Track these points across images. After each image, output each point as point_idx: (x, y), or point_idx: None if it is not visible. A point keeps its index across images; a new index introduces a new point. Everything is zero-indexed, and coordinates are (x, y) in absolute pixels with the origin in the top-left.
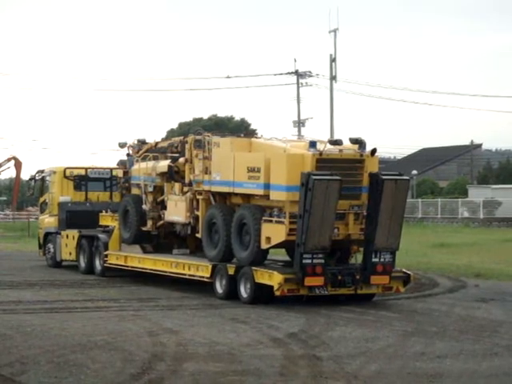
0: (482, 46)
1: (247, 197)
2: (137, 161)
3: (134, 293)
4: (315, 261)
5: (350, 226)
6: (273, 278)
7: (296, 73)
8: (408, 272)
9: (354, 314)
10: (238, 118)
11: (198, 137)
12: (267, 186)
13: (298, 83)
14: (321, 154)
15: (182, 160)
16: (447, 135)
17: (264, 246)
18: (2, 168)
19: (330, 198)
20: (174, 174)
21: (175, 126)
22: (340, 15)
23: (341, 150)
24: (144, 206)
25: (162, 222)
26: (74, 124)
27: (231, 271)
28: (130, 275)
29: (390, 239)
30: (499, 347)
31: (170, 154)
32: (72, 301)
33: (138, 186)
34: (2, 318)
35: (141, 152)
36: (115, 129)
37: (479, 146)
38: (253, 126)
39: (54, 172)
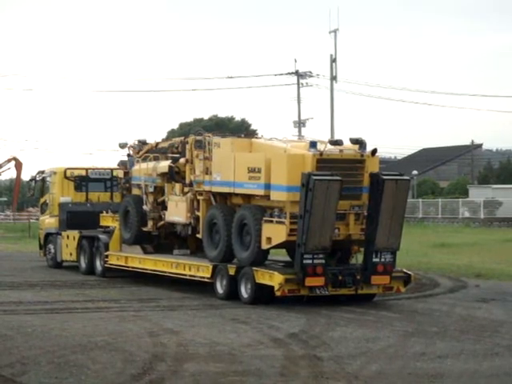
0: (482, 45)
1: (248, 197)
2: (137, 161)
3: (135, 293)
4: (316, 261)
5: (350, 226)
6: (273, 279)
7: (296, 73)
8: (409, 272)
9: (355, 314)
10: (238, 118)
11: (199, 137)
12: (268, 187)
13: (298, 83)
14: (321, 154)
15: (182, 160)
16: (448, 135)
17: (264, 246)
18: (3, 169)
19: (331, 198)
20: (174, 175)
21: (176, 126)
22: (340, 15)
23: (341, 151)
24: (145, 207)
25: (162, 223)
26: (75, 125)
27: (232, 271)
28: (130, 276)
29: (391, 239)
30: (500, 347)
31: (170, 155)
32: (73, 301)
33: (139, 186)
34: (3, 318)
35: (141, 152)
36: (116, 129)
37: (480, 145)
38: (253, 127)
39: (55, 173)
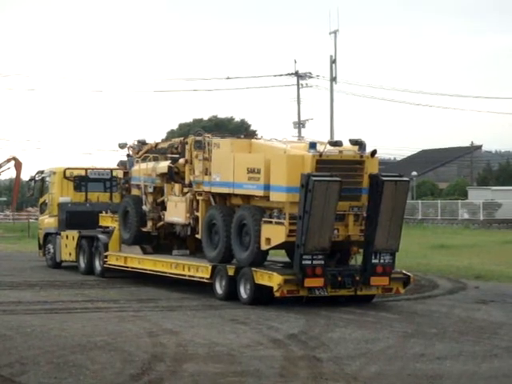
0: (482, 46)
1: (247, 198)
2: (137, 161)
3: (134, 293)
4: (315, 262)
5: (349, 228)
6: (272, 279)
7: (296, 74)
8: (408, 273)
9: (354, 315)
10: (238, 119)
11: (198, 138)
12: (267, 187)
13: (298, 84)
14: (321, 155)
15: (182, 161)
16: (447, 136)
17: (264, 246)
18: (2, 169)
19: (330, 199)
20: (173, 175)
21: (175, 126)
22: (340, 16)
23: (341, 152)
24: (144, 207)
25: (161, 223)
26: (75, 124)
27: (231, 272)
28: (129, 276)
29: (390, 240)
30: (499, 349)
31: (170, 155)
32: (72, 301)
33: (138, 186)
34: (2, 318)
35: (141, 153)
36: (115, 129)
37: (479, 147)
38: (253, 127)
39: (54, 173)
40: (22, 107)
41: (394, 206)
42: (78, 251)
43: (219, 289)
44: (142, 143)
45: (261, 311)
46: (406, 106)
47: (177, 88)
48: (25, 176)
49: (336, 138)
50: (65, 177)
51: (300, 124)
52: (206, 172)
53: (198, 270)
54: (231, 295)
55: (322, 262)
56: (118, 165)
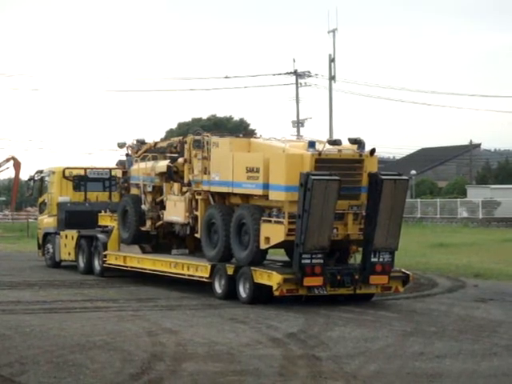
0: (481, 46)
1: (246, 197)
2: (136, 161)
3: (133, 293)
4: (314, 261)
5: (349, 226)
6: (272, 278)
7: (295, 73)
8: (407, 272)
9: (353, 313)
10: (236, 118)
11: (197, 137)
12: (266, 186)
13: (296, 83)
14: (320, 154)
15: (181, 160)
16: (446, 135)
17: (263, 246)
18: (1, 168)
19: (329, 198)
20: (173, 174)
21: (174, 126)
22: (339, 15)
23: (340, 150)
24: (143, 206)
25: (161, 222)
26: (73, 124)
27: (230, 271)
28: (129, 275)
29: (389, 239)
30: (498, 347)
31: (169, 154)
32: (71, 301)
33: (137, 186)
34: (1, 318)
35: (140, 152)
36: (114, 129)
37: (478, 146)
38: (252, 126)
39: (53, 172)
40: (24, 107)
41: (393, 204)
42: (77, 251)
43: (218, 288)
44: (141, 142)
45: (260, 310)
46: (405, 104)
47: (176, 87)
48: (24, 176)
49: (335, 137)
50: (64, 176)
51: (299, 123)
52: (205, 171)
53: (198, 269)
54: (230, 294)
55: (322, 261)
56: (117, 164)
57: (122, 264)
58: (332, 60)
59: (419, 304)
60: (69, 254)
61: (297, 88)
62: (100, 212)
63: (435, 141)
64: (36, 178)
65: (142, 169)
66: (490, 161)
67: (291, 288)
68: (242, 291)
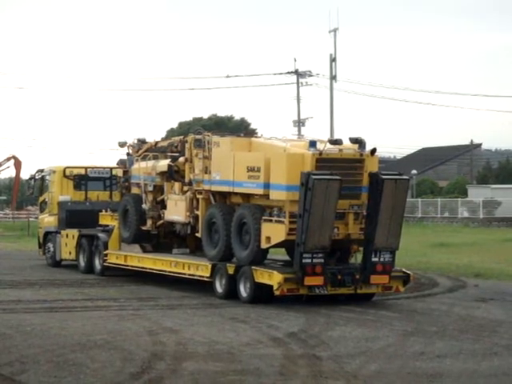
0: (482, 45)
1: (247, 196)
2: (137, 160)
3: (134, 292)
4: (315, 260)
5: (349, 226)
6: (272, 278)
7: (296, 72)
8: (408, 272)
9: (354, 313)
10: (237, 117)
11: (198, 136)
12: (267, 186)
13: (297, 83)
14: (321, 153)
15: (181, 159)
16: (447, 135)
17: (264, 245)
18: (2, 167)
19: (330, 197)
20: (173, 174)
21: (175, 125)
22: (340, 15)
23: (341, 150)
24: (144, 206)
25: (161, 222)
26: (74, 123)
27: (231, 271)
28: (129, 274)
29: (390, 239)
30: (499, 347)
31: (169, 154)
32: (72, 300)
33: (138, 185)
34: (2, 317)
35: (141, 151)
36: (115, 128)
37: (479, 145)
38: (253, 126)
39: (54, 171)
40: (24, 106)
41: (393, 204)
42: (78, 250)
43: (219, 287)
44: (142, 142)
45: (261, 310)
46: (405, 104)
47: (176, 87)
48: (24, 175)
49: (336, 137)
50: (65, 175)
51: (300, 122)
52: (206, 170)
53: (198, 268)
54: (231, 294)
55: (322, 261)
56: (117, 163)
57: (123, 263)
58: (333, 59)
59: (420, 304)
60: (69, 253)
61: (298, 87)
62: (101, 211)
63: (436, 140)
64: (37, 177)
65: (142, 168)
66: (490, 160)
67: (292, 287)
68: (243, 290)
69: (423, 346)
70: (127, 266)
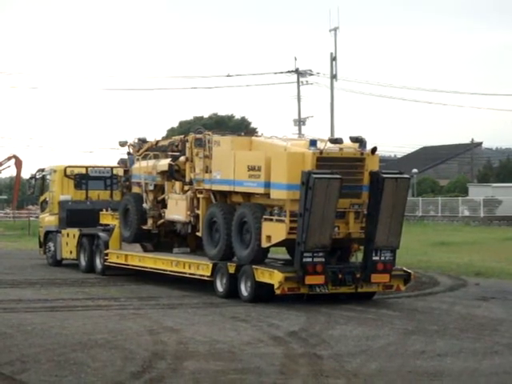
0: (482, 44)
1: (248, 195)
2: (137, 159)
3: (135, 291)
4: (316, 259)
5: (350, 225)
6: (273, 277)
7: (296, 71)
8: (408, 270)
9: (355, 312)
10: (238, 116)
11: (199, 135)
12: (268, 185)
13: (298, 82)
14: (321, 152)
15: (182, 159)
16: (448, 134)
17: (264, 244)
18: (3, 167)
19: (331, 196)
20: (174, 173)
21: (176, 124)
22: (340, 14)
23: (341, 149)
24: (144, 205)
25: (162, 221)
26: (75, 123)
27: (232, 270)
28: (130, 274)
29: (391, 238)
30: (500, 345)
31: (170, 153)
32: (72, 299)
33: (139, 184)
34: (3, 316)
35: (141, 151)
36: (116, 127)
37: (479, 144)
38: (253, 125)
39: (55, 171)
40: (24, 106)
41: (394, 203)
42: (79, 249)
43: (220, 286)
44: (143, 141)
45: (261, 309)
46: (406, 103)
47: (177, 86)
48: (25, 174)
49: (336, 136)
50: (65, 175)
51: (300, 121)
52: (207, 170)
53: (199, 267)
54: (232, 293)
55: (323, 260)
56: (118, 163)
57: (124, 262)
58: (333, 58)
59: (420, 302)
60: (70, 252)
61: (298, 86)
62: (101, 210)
63: (437, 139)
64: (37, 177)
65: (143, 167)
66: (491, 159)
67: (293, 286)
68: (244, 290)
69: (424, 344)
70: (128, 265)
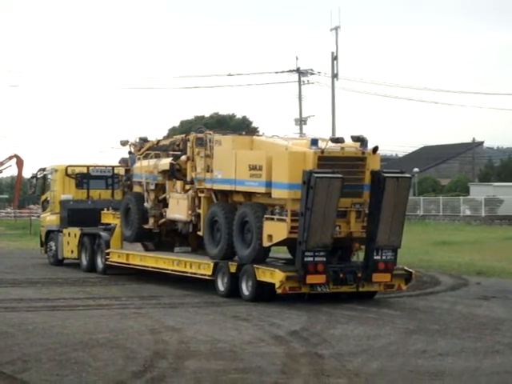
0: (483, 44)
1: (249, 195)
2: (138, 159)
3: (136, 291)
4: (317, 259)
5: (351, 224)
6: (274, 276)
7: (298, 71)
8: (410, 270)
9: (356, 311)
10: (239, 115)
11: (200, 135)
12: (269, 184)
13: (299, 81)
14: (322, 151)
15: (183, 158)
16: (449, 133)
17: (266, 243)
18: (4, 166)
19: (332, 195)
20: (175, 172)
21: (177, 123)
22: (341, 13)
23: (342, 148)
24: (146, 204)
25: (163, 220)
26: (76, 122)
27: (233, 269)
28: (131, 273)
29: (392, 237)
30: (501, 345)
31: (171, 152)
32: (74, 299)
33: (140, 183)
34: (4, 315)
35: (142, 150)
36: (117, 127)
37: (481, 143)
38: (254, 124)
39: (56, 170)
40: (25, 105)
41: (395, 202)
42: (80, 248)
43: (221, 286)
44: (144, 140)
45: (263, 308)
46: (407, 102)
47: (178, 85)
48: (27, 173)
49: (338, 135)
50: (66, 174)
51: (302, 121)
52: (208, 169)
53: (200, 267)
54: (233, 292)
55: (324, 259)
56: (119, 162)
57: (125, 262)
58: (335, 58)
59: (422, 302)
60: (71, 251)
61: (299, 86)
62: (103, 210)
63: (438, 138)
64: (39, 176)
65: (144, 167)
66: (492, 158)
67: (294, 286)
68: (245, 289)
69: (425, 344)
70: (129, 264)
